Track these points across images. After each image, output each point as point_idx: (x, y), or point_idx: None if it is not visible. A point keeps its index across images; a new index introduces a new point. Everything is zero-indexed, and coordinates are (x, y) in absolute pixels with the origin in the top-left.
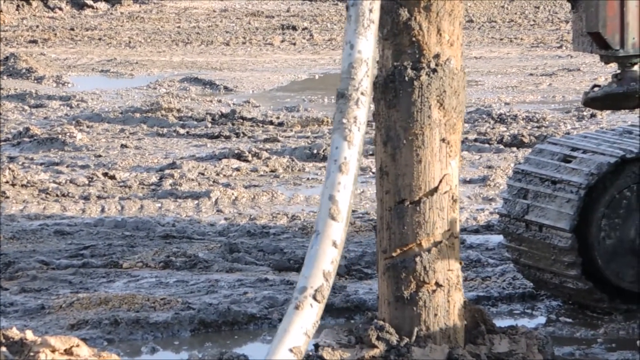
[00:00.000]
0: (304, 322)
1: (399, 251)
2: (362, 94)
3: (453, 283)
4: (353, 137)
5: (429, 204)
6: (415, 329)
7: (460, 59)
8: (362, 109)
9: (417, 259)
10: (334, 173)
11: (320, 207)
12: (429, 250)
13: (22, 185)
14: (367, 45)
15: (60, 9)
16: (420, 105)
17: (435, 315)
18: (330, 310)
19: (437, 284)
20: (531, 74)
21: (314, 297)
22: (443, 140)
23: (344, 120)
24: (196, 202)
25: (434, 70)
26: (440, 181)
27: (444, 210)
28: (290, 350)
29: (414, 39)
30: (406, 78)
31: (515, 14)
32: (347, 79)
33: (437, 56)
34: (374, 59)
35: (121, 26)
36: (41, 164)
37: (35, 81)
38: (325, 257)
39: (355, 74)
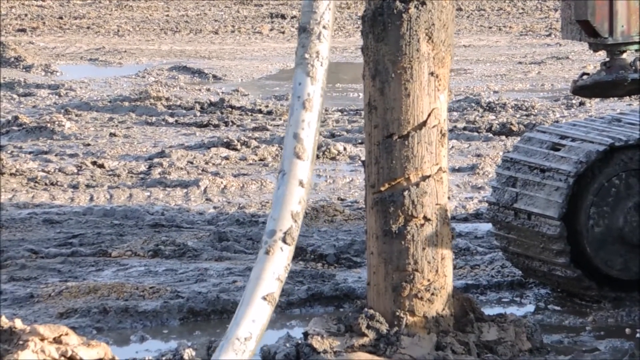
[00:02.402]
0: (275, 267)
1: (387, 185)
2: (324, 27)
3: (441, 217)
4: (316, 72)
5: (417, 138)
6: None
7: None
8: (324, 43)
9: (406, 193)
10: (297, 110)
11: (285, 146)
12: (417, 185)
13: (11, 174)
14: None
15: None
16: (409, 39)
17: (424, 249)
18: (319, 299)
19: (425, 218)
20: (520, 63)
21: (284, 240)
22: (432, 74)
23: (307, 55)
24: (185, 190)
25: (423, 3)
26: (429, 115)
27: (432, 145)
28: (264, 298)
29: None
30: (394, 11)
31: (504, 2)
32: (308, 13)
33: None
34: None
35: (110, 15)
36: (30, 153)
37: (24, 70)
38: (293, 198)
39: (317, 7)
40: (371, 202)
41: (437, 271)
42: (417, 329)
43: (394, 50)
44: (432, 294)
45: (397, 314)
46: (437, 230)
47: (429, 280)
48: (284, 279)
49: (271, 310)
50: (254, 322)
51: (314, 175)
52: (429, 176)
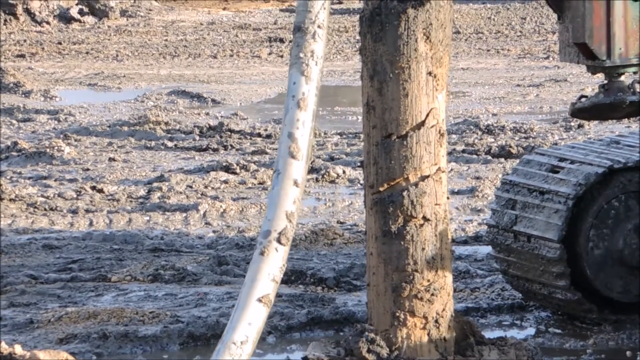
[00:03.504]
0: (270, 268)
1: (386, 186)
2: (319, 27)
3: (440, 217)
4: (311, 71)
5: (416, 138)
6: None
7: None
8: (319, 43)
9: (405, 193)
10: (292, 110)
11: (279, 146)
12: (416, 185)
13: (10, 200)
14: None
15: (48, 23)
16: (407, 39)
17: (423, 249)
18: (319, 323)
19: (425, 218)
20: (518, 85)
21: (279, 241)
22: (430, 73)
23: (301, 55)
24: (184, 215)
25: (420, 3)
26: (427, 115)
27: (431, 144)
28: (260, 300)
29: None
30: (392, 11)
31: (502, 25)
32: (303, 12)
33: None
34: None
35: (108, 40)
36: (29, 178)
37: (23, 95)
38: (287, 198)
39: (312, 6)
40: (370, 203)
41: (437, 271)
42: (417, 331)
43: (392, 50)
44: (432, 294)
45: (397, 314)
46: (437, 231)
47: (428, 280)
48: (279, 280)
49: (267, 312)
50: (250, 325)
51: (313, 198)
52: (428, 176)
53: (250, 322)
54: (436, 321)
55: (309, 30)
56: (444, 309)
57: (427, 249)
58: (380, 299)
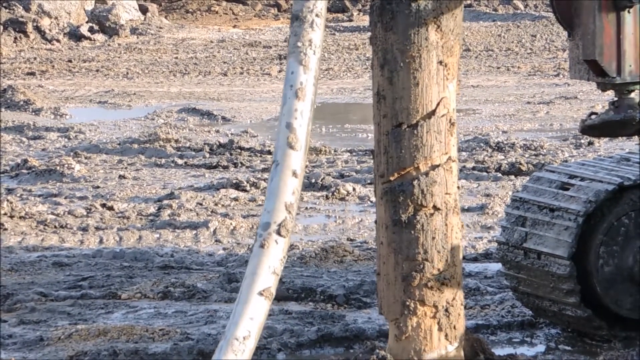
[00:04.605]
0: (271, 260)
1: (396, 175)
2: (316, 15)
3: (451, 206)
4: (309, 61)
5: (427, 127)
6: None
7: None
8: (317, 32)
9: (415, 182)
10: (290, 99)
11: (277, 136)
12: (426, 174)
13: (21, 217)
14: None
15: (58, 40)
16: (417, 27)
17: (433, 238)
18: (329, 340)
19: (435, 207)
20: (528, 102)
21: (278, 233)
22: (440, 62)
23: (299, 44)
24: (194, 232)
25: None
26: (438, 104)
27: (441, 134)
28: (261, 294)
29: None
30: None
31: (512, 42)
32: (301, 1)
33: None
34: None
35: (119, 57)
36: (39, 196)
37: (33, 113)
38: (286, 189)
39: None
40: (380, 192)
41: (447, 260)
42: (427, 320)
43: (403, 39)
44: (442, 283)
45: (407, 303)
46: (447, 220)
47: (439, 269)
48: (280, 273)
49: (268, 306)
50: (252, 320)
51: (323, 215)
52: (438, 165)
53: (252, 316)
54: (446, 310)
55: (306, 19)
56: (454, 298)
57: (437, 238)
58: (391, 288)
